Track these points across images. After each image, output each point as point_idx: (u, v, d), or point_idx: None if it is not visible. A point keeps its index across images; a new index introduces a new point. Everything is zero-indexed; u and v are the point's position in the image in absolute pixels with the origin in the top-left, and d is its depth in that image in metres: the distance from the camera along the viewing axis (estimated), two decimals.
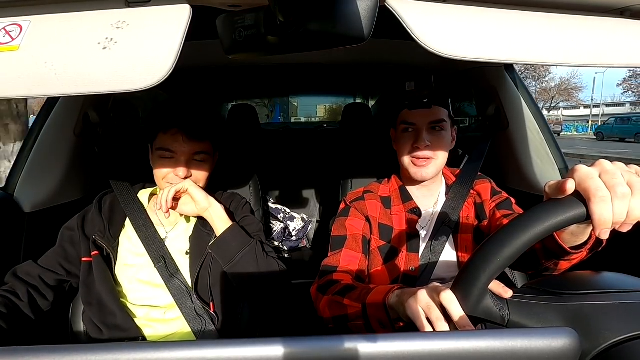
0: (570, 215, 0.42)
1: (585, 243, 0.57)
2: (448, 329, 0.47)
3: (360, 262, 0.87)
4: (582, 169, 0.44)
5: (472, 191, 0.95)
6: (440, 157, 0.89)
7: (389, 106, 0.96)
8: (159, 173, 0.88)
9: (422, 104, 0.85)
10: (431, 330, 0.49)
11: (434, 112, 0.88)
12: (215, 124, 0.94)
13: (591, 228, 0.54)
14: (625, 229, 0.43)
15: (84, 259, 0.88)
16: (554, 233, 0.57)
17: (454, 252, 0.90)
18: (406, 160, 0.90)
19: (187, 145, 0.86)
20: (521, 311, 0.44)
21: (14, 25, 0.48)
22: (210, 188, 0.94)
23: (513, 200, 0.93)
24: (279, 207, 1.89)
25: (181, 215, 0.94)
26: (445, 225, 0.90)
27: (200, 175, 0.90)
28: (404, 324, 0.62)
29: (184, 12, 0.48)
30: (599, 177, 0.43)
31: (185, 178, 0.87)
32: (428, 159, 0.88)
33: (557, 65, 0.48)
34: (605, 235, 0.43)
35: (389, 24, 0.48)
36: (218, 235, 0.87)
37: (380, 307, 0.64)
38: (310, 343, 0.35)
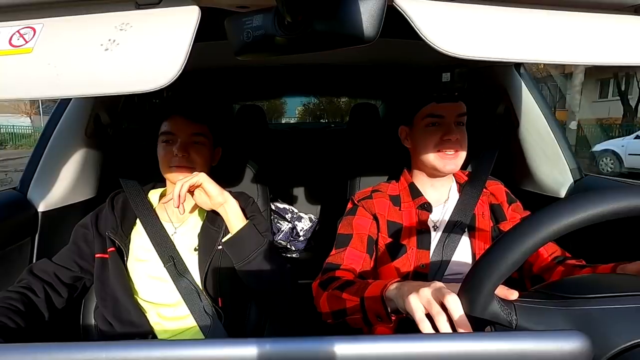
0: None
1: None
2: (447, 323, 0.47)
3: (364, 262, 0.87)
4: None
5: (485, 190, 0.94)
6: (464, 151, 0.90)
7: (408, 101, 0.95)
8: (162, 159, 0.91)
9: (452, 97, 0.86)
10: (429, 324, 0.49)
11: (461, 105, 0.88)
12: (214, 110, 0.97)
13: None
14: None
15: (98, 256, 0.89)
16: None
17: (469, 250, 0.89)
18: (432, 155, 0.89)
19: (185, 126, 0.90)
20: (529, 315, 0.43)
21: (27, 28, 0.49)
22: None
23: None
24: (287, 207, 1.90)
25: (192, 211, 0.95)
26: (458, 223, 0.89)
27: (197, 158, 0.91)
28: (397, 318, 0.63)
29: (192, 14, 0.48)
30: None
31: (183, 157, 0.88)
32: (456, 151, 0.88)
33: (568, 64, 0.48)
34: None
35: (397, 23, 0.48)
36: (232, 232, 0.87)
37: (378, 300, 0.65)
38: (316, 343, 0.35)
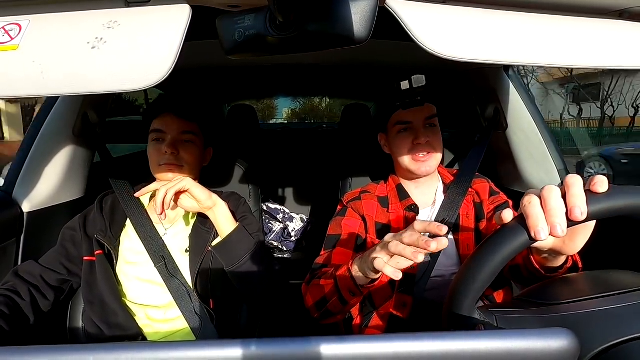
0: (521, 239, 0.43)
1: (561, 267, 0.61)
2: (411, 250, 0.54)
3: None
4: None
5: (470, 189, 0.95)
6: (439, 152, 0.92)
7: (379, 110, 0.97)
8: (151, 157, 0.90)
9: (416, 102, 0.87)
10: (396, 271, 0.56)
11: (428, 108, 0.90)
12: (204, 109, 0.97)
13: (563, 256, 0.58)
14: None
15: (85, 258, 0.88)
16: (530, 257, 0.62)
17: (455, 250, 0.90)
18: (406, 159, 0.91)
19: (175, 123, 0.89)
20: (510, 325, 0.45)
21: (13, 24, 0.48)
22: (208, 188, 0.93)
23: (510, 203, 0.93)
24: (279, 207, 1.90)
25: (184, 212, 0.94)
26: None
27: (187, 156, 0.91)
28: (367, 292, 0.71)
29: (183, 12, 0.48)
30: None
31: (172, 154, 0.88)
32: (429, 153, 0.90)
33: (555, 67, 0.49)
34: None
35: (388, 25, 0.48)
36: (222, 236, 0.86)
37: (347, 274, 0.69)
38: (304, 344, 0.35)
